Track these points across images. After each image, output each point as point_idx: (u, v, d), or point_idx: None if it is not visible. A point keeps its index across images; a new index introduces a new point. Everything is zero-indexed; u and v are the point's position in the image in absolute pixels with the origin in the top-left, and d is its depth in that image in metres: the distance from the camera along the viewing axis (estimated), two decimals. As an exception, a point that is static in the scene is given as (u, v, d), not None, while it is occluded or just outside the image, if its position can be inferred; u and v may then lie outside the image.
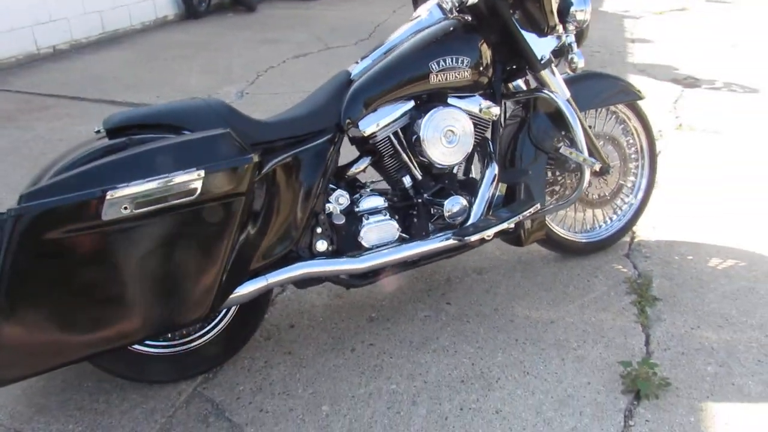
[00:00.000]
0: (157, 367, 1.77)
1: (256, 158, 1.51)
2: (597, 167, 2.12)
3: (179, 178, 1.41)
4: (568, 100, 2.06)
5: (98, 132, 1.70)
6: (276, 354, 1.95)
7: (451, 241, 1.93)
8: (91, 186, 1.36)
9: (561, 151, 2.07)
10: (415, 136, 1.91)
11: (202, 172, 1.43)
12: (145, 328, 1.50)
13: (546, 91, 2.01)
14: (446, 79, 1.90)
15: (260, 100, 4.30)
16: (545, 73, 2.06)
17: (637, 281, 2.26)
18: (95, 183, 1.37)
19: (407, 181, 1.98)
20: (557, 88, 2.07)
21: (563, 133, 2.19)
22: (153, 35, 6.31)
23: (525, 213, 1.95)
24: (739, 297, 2.16)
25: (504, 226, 1.92)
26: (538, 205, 1.98)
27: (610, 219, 2.47)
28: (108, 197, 1.35)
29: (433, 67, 1.87)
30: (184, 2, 6.93)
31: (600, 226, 2.46)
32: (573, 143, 2.11)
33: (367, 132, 1.88)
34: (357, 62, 2.00)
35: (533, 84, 2.17)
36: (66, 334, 1.42)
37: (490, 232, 1.90)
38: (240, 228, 1.55)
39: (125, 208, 1.38)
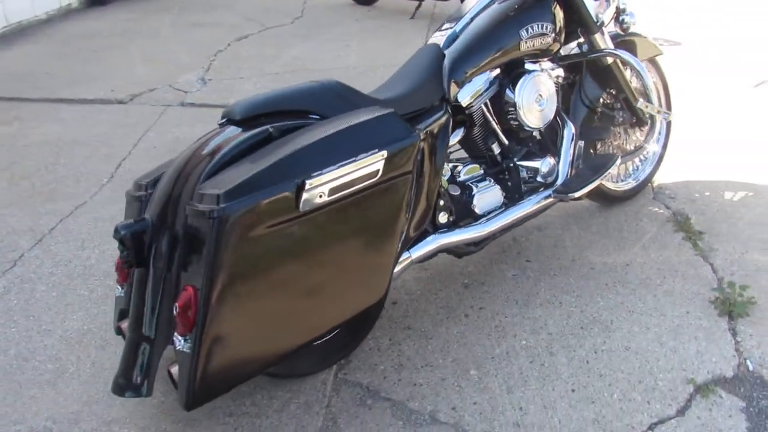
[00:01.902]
0: (304, 361, 1.73)
1: (421, 136, 1.51)
2: (670, 117, 2.32)
3: (366, 160, 1.39)
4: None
5: (222, 124, 1.60)
6: (396, 331, 1.97)
7: (550, 200, 2.04)
8: (284, 178, 1.31)
9: (638, 105, 2.23)
10: (507, 103, 1.98)
11: (384, 153, 1.42)
12: (339, 317, 1.47)
13: (616, 51, 2.15)
14: (533, 45, 1.98)
15: (228, 86, 4.11)
16: (597, 35, 2.20)
17: (677, 220, 2.51)
18: (288, 175, 1.31)
19: (496, 148, 2.05)
20: (609, 47, 2.22)
21: (607, 90, 2.36)
22: (63, 25, 5.73)
23: (610, 167, 2.10)
24: (763, 222, 2.47)
25: (599, 181, 2.06)
26: (619, 159, 2.14)
27: (637, 168, 2.70)
28: (307, 186, 1.31)
29: (523, 34, 1.94)
30: (88, -13, 6.34)
31: (630, 175, 2.68)
32: (627, 104, 2.27)
33: (465, 102, 1.92)
34: (438, 33, 2.01)
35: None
36: (272, 334, 1.36)
37: (590, 187, 2.03)
38: (407, 207, 1.55)
39: (320, 197, 1.34)
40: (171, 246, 1.41)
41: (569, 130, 2.12)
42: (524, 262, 2.29)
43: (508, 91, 1.97)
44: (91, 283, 2.19)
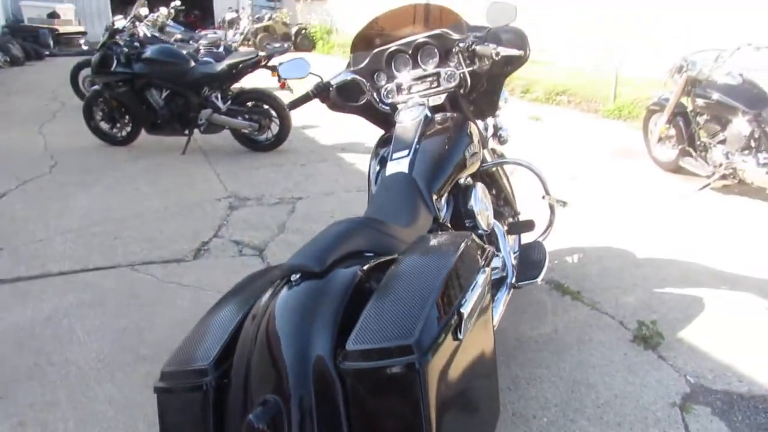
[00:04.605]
0: None
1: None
2: (566, 206, 2.80)
3: (480, 278, 1.49)
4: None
5: (298, 280, 1.50)
6: None
7: (512, 290, 2.33)
8: (442, 313, 1.33)
9: (544, 198, 2.70)
10: (466, 212, 2.24)
11: (487, 269, 1.54)
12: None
13: (518, 160, 2.62)
14: (472, 163, 2.30)
15: (34, 252, 3.46)
16: (486, 150, 2.67)
17: (555, 287, 3.04)
18: (441, 309, 1.33)
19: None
20: (495, 159, 2.71)
21: (493, 192, 2.83)
22: None
23: (546, 250, 2.51)
24: (606, 274, 3.18)
25: (547, 262, 2.44)
26: (545, 243, 2.57)
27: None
28: (464, 315, 1.35)
29: (467, 154, 2.26)
30: None
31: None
32: (507, 202, 2.77)
33: (442, 219, 2.13)
34: (391, 161, 2.18)
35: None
36: None
37: (545, 269, 2.40)
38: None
39: (469, 321, 1.39)
40: (324, 417, 1.26)
41: (499, 228, 2.48)
42: (484, 351, 2.51)
43: (464, 203, 2.25)
44: None
